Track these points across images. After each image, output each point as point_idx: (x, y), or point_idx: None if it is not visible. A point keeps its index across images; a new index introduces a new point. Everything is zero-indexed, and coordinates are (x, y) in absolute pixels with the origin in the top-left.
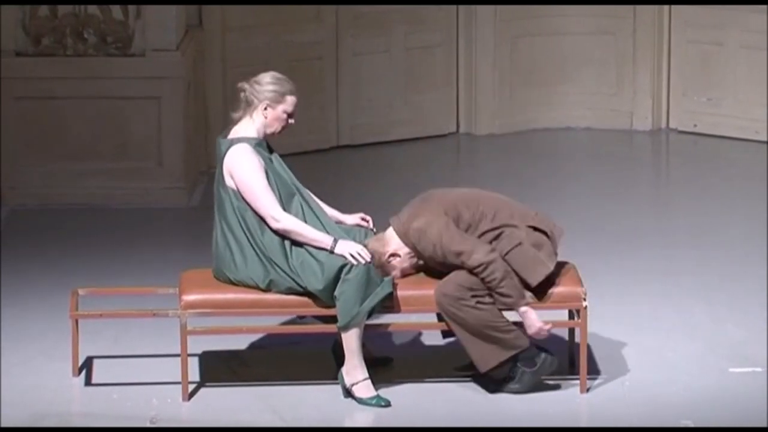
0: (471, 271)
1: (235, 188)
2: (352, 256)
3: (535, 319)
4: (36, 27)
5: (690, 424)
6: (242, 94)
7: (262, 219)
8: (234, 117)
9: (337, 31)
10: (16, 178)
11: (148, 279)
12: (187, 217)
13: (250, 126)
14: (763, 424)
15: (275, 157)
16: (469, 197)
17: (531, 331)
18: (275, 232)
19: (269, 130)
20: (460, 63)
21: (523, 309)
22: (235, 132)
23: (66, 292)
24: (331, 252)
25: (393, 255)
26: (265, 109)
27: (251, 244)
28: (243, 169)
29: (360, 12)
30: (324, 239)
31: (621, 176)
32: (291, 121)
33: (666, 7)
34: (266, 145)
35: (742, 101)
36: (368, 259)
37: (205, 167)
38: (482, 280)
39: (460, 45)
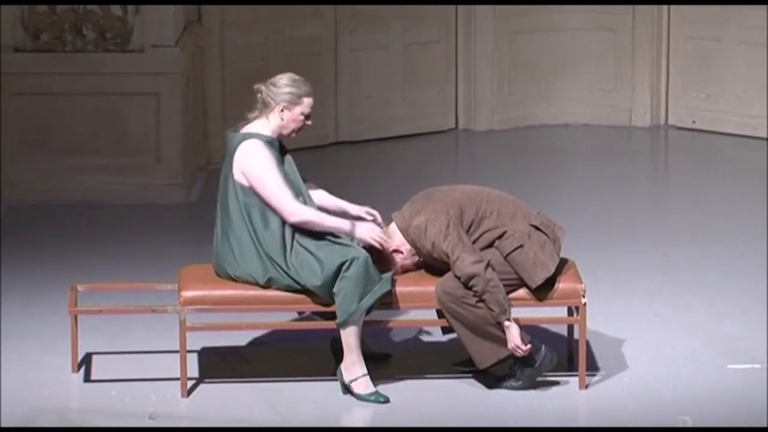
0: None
1: (244, 183)
2: (373, 239)
3: (516, 336)
4: (35, 23)
5: (688, 420)
6: (258, 95)
7: (277, 214)
8: (249, 117)
9: (335, 27)
10: (14, 175)
11: (146, 275)
12: (186, 212)
13: (265, 126)
14: (762, 421)
15: (287, 158)
16: (473, 195)
17: (509, 346)
18: (283, 227)
19: (285, 132)
20: (458, 59)
21: (506, 324)
22: (248, 128)
23: (65, 288)
24: (351, 236)
25: (395, 251)
26: (282, 111)
27: (252, 241)
28: (257, 164)
29: (358, 8)
30: (342, 225)
31: (619, 173)
32: (308, 122)
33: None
34: (279, 145)
35: (740, 97)
36: (386, 243)
37: (204, 163)
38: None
39: (458, 41)
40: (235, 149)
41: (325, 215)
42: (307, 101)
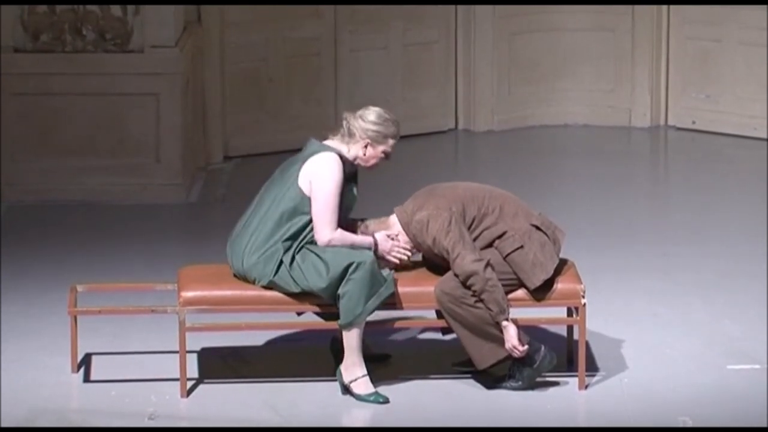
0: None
1: (307, 194)
2: (395, 257)
3: (513, 336)
4: (34, 23)
5: (688, 421)
6: (344, 123)
7: (312, 226)
8: (330, 137)
9: (335, 28)
10: (14, 175)
11: (146, 275)
12: (186, 213)
13: (344, 150)
14: (762, 421)
15: (352, 186)
16: (475, 192)
17: (506, 346)
18: (303, 240)
19: (362, 164)
20: (458, 59)
21: (504, 324)
22: (330, 143)
23: (64, 288)
24: (375, 252)
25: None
26: (366, 147)
27: (277, 243)
28: (325, 179)
29: (358, 8)
30: (364, 240)
31: (619, 173)
32: (387, 160)
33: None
34: (354, 172)
35: (740, 98)
36: (409, 254)
37: (203, 163)
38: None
39: (458, 41)
40: (309, 155)
41: (352, 236)
42: (392, 142)
